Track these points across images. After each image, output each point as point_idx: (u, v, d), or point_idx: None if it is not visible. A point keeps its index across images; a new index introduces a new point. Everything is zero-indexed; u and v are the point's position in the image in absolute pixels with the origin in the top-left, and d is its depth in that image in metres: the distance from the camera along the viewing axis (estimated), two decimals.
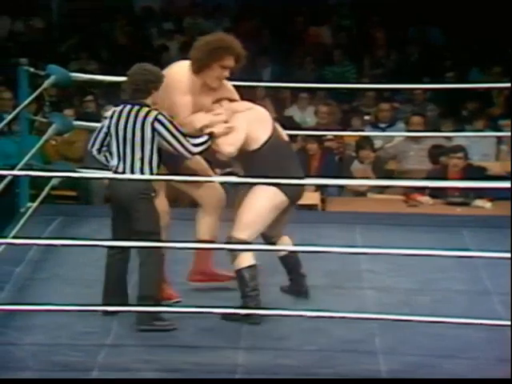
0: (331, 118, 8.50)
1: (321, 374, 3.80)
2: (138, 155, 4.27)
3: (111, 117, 4.35)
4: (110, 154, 4.36)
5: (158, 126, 4.25)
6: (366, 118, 8.56)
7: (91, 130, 7.37)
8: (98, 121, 4.84)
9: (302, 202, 7.14)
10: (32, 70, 5.84)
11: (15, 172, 5.13)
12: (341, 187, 7.25)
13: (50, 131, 5.88)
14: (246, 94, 8.89)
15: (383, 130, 8.21)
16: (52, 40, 10.24)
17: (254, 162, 4.44)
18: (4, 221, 5.95)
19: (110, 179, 4.35)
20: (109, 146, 4.36)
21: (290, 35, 10.53)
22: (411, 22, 10.58)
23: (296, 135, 7.88)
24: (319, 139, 7.73)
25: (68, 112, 7.41)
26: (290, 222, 5.70)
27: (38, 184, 6.05)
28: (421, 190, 6.65)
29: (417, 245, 4.51)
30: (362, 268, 4.91)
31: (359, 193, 7.27)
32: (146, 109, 4.30)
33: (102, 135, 4.39)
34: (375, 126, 8.32)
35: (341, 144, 7.87)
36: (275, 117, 8.75)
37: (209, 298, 4.43)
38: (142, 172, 4.27)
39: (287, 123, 8.23)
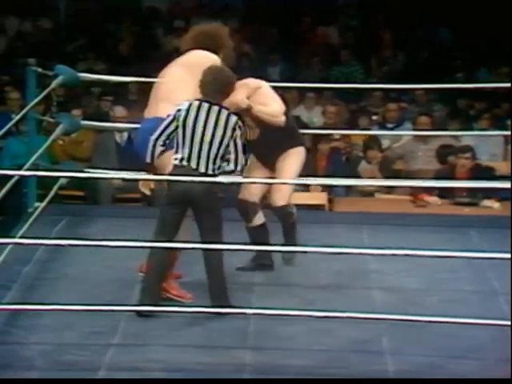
0: (338, 118, 8.50)
1: (328, 374, 3.79)
2: (212, 154, 4.32)
3: (187, 111, 4.34)
4: (178, 146, 4.34)
5: (237, 130, 4.36)
6: (374, 118, 8.55)
7: (99, 130, 7.48)
8: (108, 121, 4.86)
9: (309, 201, 7.26)
10: (40, 70, 5.85)
11: (23, 172, 5.13)
12: (348, 187, 7.25)
13: (58, 131, 5.89)
14: None
15: (391, 130, 8.20)
16: (60, 40, 10.27)
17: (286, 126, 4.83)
18: (12, 220, 5.97)
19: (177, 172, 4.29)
20: (177, 139, 4.34)
21: (298, 35, 10.53)
22: (419, 22, 10.56)
23: (303, 135, 7.88)
24: (326, 139, 7.73)
25: (76, 112, 7.43)
26: (297, 222, 5.73)
27: (45, 184, 6.06)
28: (429, 190, 6.64)
29: (424, 245, 4.49)
30: (369, 268, 4.91)
31: (366, 193, 7.26)
32: (227, 111, 4.38)
33: (171, 128, 4.37)
34: (383, 126, 8.31)
35: (348, 144, 7.87)
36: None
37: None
38: (213, 171, 4.33)
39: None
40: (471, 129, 8.02)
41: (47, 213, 5.66)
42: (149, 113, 4.66)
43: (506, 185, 4.16)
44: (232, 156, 4.37)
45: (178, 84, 4.59)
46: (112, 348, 3.99)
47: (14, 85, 8.67)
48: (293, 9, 10.84)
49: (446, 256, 4.17)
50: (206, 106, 4.36)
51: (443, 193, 6.68)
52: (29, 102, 5.74)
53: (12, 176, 4.98)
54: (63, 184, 6.05)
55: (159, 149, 4.39)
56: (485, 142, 7.74)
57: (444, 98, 8.96)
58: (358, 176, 7.28)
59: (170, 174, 4.35)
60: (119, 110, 7.42)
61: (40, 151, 5.70)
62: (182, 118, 4.36)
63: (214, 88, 4.38)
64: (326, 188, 7.10)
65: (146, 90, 8.85)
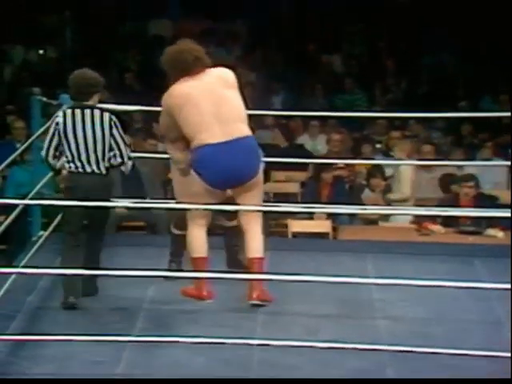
0: (342, 146, 8.52)
1: None
2: (99, 153, 4.71)
3: (64, 121, 4.72)
4: (67, 156, 4.72)
5: (113, 126, 4.71)
6: (377, 146, 8.57)
7: None
8: None
9: (313, 230, 7.25)
10: (45, 99, 5.88)
11: (27, 201, 5.14)
12: (352, 215, 7.25)
13: (62, 160, 5.90)
14: (257, 122, 9.00)
15: (394, 158, 8.21)
16: (65, 70, 10.32)
17: None
18: (16, 249, 5.98)
19: (74, 178, 4.70)
20: (64, 148, 4.72)
21: (302, 63, 10.58)
22: (423, 50, 10.62)
23: (307, 163, 7.91)
24: (330, 167, 7.75)
25: None
26: (301, 250, 5.73)
27: (49, 212, 6.06)
28: (432, 219, 6.63)
29: (429, 274, 4.49)
30: (373, 297, 4.89)
31: (370, 221, 7.26)
32: (99, 110, 4.73)
33: (55, 141, 4.75)
34: (386, 154, 8.32)
35: (351, 172, 7.88)
36: (286, 145, 8.79)
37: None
38: (106, 169, 4.73)
39: (298, 151, 8.32)
40: (474, 157, 8.03)
41: (51, 241, 5.66)
42: (224, 136, 4.60)
43: (507, 214, 4.15)
44: (116, 151, 4.72)
45: (238, 101, 4.71)
46: (115, 378, 3.97)
47: (18, 114, 8.72)
48: (297, 36, 10.91)
49: (450, 286, 4.16)
50: (78, 111, 4.73)
51: (447, 221, 6.68)
52: (33, 131, 5.76)
53: (17, 205, 4.99)
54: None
55: (52, 162, 4.79)
56: (488, 170, 7.75)
57: (447, 127, 8.99)
58: (361, 204, 7.28)
59: (73, 180, 4.73)
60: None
61: (44, 180, 5.72)
62: (61, 129, 4.72)
63: (78, 91, 4.76)
64: (330, 216, 7.10)
65: (150, 119, 8.94)
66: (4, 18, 10.82)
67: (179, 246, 5.10)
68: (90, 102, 4.79)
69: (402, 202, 7.36)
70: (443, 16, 10.34)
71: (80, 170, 4.72)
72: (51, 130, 4.76)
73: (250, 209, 4.74)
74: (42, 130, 5.66)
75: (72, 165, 4.72)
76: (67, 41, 11.14)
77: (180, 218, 5.01)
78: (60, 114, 4.78)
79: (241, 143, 4.63)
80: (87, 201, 4.59)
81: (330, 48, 10.83)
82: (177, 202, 4.97)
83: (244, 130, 4.66)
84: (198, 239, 4.75)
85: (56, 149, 4.75)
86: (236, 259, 5.17)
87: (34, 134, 5.72)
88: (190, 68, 4.69)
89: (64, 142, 4.72)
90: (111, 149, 4.74)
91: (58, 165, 4.82)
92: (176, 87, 4.69)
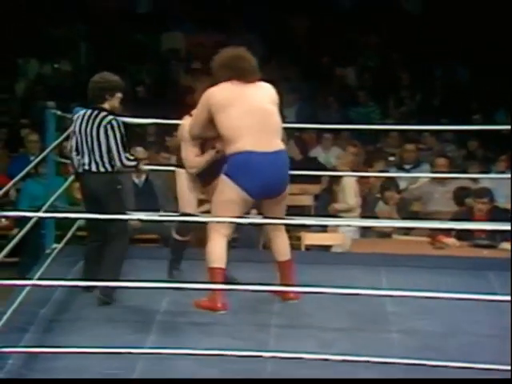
0: (356, 159, 8.51)
1: None
2: (98, 153, 4.92)
3: (75, 121, 5.01)
4: (81, 155, 4.98)
5: (109, 129, 4.90)
6: (391, 159, 8.56)
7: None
8: None
9: (326, 242, 7.24)
10: (59, 112, 5.91)
11: (41, 214, 5.16)
12: (366, 228, 7.23)
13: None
14: None
15: (408, 171, 8.20)
16: (79, 83, 10.36)
17: None
18: (30, 262, 5.99)
19: (83, 176, 4.94)
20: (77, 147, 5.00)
21: (315, 76, 10.59)
22: (437, 62, 10.61)
23: (320, 176, 7.90)
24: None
25: None
26: (314, 263, 5.71)
27: (63, 225, 6.09)
28: (447, 232, 6.60)
29: (442, 287, 4.48)
30: (387, 310, 4.87)
31: (384, 234, 7.24)
32: (104, 113, 4.94)
33: (74, 140, 5.03)
34: (400, 167, 8.31)
35: (366, 185, 7.86)
36: (300, 158, 8.79)
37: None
38: (105, 169, 4.92)
39: (312, 164, 8.31)
40: (489, 171, 8.00)
41: (65, 254, 5.68)
42: (267, 146, 4.72)
43: (505, 227, 4.13)
44: (113, 153, 4.91)
45: (279, 117, 4.88)
46: None
47: (32, 127, 8.76)
48: (311, 49, 10.93)
49: (464, 299, 4.14)
50: (88, 112, 4.99)
51: (461, 235, 6.64)
52: (48, 144, 5.79)
53: (30, 217, 5.01)
54: (81, 225, 6.07)
55: (75, 158, 5.02)
56: (502, 184, 7.70)
57: (461, 140, 8.97)
58: (375, 217, 7.26)
59: (82, 178, 5.00)
60: (140, 151, 7.47)
61: (58, 193, 5.74)
62: (74, 129, 5.01)
63: (91, 95, 4.99)
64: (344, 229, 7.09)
65: (163, 132, 8.95)
66: (18, 31, 10.89)
67: (180, 252, 5.19)
68: (105, 105, 4.96)
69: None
70: (457, 28, 10.34)
71: (86, 167, 4.95)
72: (71, 129, 5.13)
73: (273, 222, 4.84)
74: (56, 143, 5.69)
75: (81, 163, 4.97)
76: (81, 54, 11.19)
77: (183, 225, 5.08)
78: (77, 114, 5.06)
79: (280, 156, 4.78)
80: (94, 199, 4.83)
81: (344, 61, 10.84)
82: (182, 214, 5.05)
83: (281, 145, 4.83)
84: (219, 249, 4.77)
85: (76, 146, 5.01)
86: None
87: (48, 147, 5.75)
88: (245, 75, 4.82)
89: (78, 139, 4.99)
90: (108, 151, 4.92)
91: (77, 162, 5.02)
92: (226, 86, 4.76)
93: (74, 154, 5.04)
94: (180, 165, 5.12)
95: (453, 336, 4.58)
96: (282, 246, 4.96)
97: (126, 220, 4.99)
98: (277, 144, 4.78)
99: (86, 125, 4.96)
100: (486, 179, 7.54)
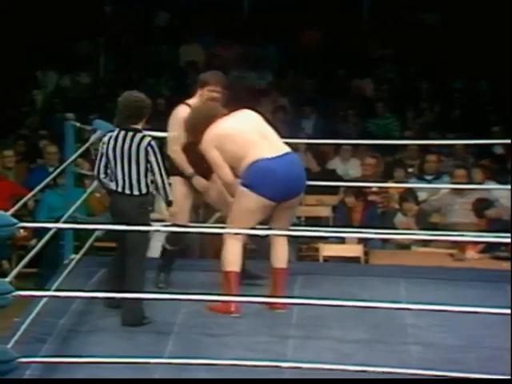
0: (376, 170, 8.49)
1: None
2: (134, 176, 4.77)
3: (108, 142, 4.82)
4: (111, 175, 4.83)
5: (150, 151, 4.75)
6: (409, 170, 8.53)
7: None
8: None
9: (345, 254, 7.22)
10: (78, 124, 5.93)
11: (60, 225, 5.18)
12: (384, 240, 7.20)
13: (95, 184, 5.95)
14: (289, 145, 8.92)
15: (429, 182, 8.16)
16: (98, 95, 10.41)
17: None
18: (48, 272, 6.01)
19: (113, 197, 4.80)
20: (110, 168, 4.83)
21: (333, 88, 10.58)
22: (456, 74, 10.58)
23: (338, 187, 7.89)
24: (362, 191, 7.72)
25: None
26: (333, 275, 5.69)
27: (81, 236, 6.10)
28: (469, 244, 6.57)
29: (461, 300, 4.44)
30: (406, 322, 4.84)
31: (403, 246, 7.21)
32: (141, 134, 4.79)
33: (104, 161, 4.86)
34: (420, 178, 8.27)
35: (384, 196, 7.84)
36: (318, 170, 8.78)
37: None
38: (139, 192, 4.77)
39: (330, 176, 8.30)
40: (508, 182, 7.95)
41: (83, 264, 5.69)
42: (274, 151, 4.90)
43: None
44: (152, 178, 4.78)
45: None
46: None
47: (51, 139, 8.80)
48: (328, 61, 10.93)
49: (483, 312, 4.10)
50: (122, 133, 4.80)
51: (481, 247, 6.61)
52: (67, 156, 5.81)
53: (49, 228, 5.03)
54: (99, 236, 6.09)
55: (104, 181, 4.88)
56: None
57: (481, 151, 8.92)
58: (393, 228, 7.23)
59: (112, 198, 4.85)
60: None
61: (77, 204, 5.75)
62: (105, 151, 4.83)
63: (125, 115, 4.81)
64: (362, 240, 7.06)
65: None
66: (37, 44, 10.97)
67: (170, 262, 5.28)
68: (138, 126, 4.85)
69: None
70: (475, 39, 10.30)
71: (119, 189, 4.80)
72: (99, 150, 4.93)
73: (281, 233, 4.89)
74: (76, 154, 5.71)
75: (113, 184, 4.83)
76: (100, 67, 11.24)
77: (173, 235, 5.16)
78: (108, 134, 4.90)
79: (290, 157, 4.95)
80: (120, 221, 4.67)
81: (361, 72, 10.83)
82: (174, 224, 5.13)
83: (287, 148, 4.99)
84: (236, 254, 4.90)
85: (106, 167, 4.86)
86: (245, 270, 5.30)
87: (67, 158, 5.77)
88: (217, 117, 5.02)
89: (108, 161, 4.84)
90: (147, 175, 4.78)
91: (107, 183, 4.90)
92: (215, 125, 4.97)
93: (102, 176, 4.87)
94: (176, 172, 5.18)
95: (472, 349, 4.54)
96: (281, 253, 5.00)
97: (147, 234, 4.93)
98: (283, 147, 4.96)
99: (121, 146, 4.78)
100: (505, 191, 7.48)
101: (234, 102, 5.45)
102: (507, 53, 9.92)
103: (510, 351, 4.27)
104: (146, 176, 4.78)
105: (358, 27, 11.29)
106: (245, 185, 4.85)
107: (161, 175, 4.78)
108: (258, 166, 4.83)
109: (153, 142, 4.80)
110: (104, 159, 4.85)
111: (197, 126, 4.99)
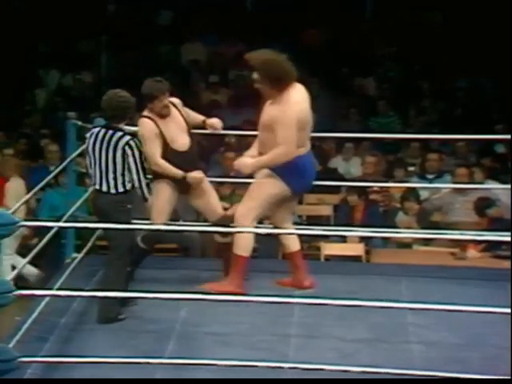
0: (377, 169, 8.48)
1: None
2: (111, 174, 4.81)
3: (88, 140, 4.92)
4: (91, 174, 4.93)
5: (128, 150, 4.79)
6: (411, 169, 8.52)
7: None
8: None
9: (346, 253, 7.21)
10: (80, 123, 5.94)
11: (61, 224, 5.18)
12: (385, 239, 7.20)
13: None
14: None
15: (430, 181, 8.15)
16: (100, 94, 10.39)
17: None
18: (50, 271, 6.01)
19: (94, 195, 4.92)
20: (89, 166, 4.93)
21: (335, 86, 10.57)
22: (458, 72, 10.56)
23: (340, 186, 7.88)
24: (364, 190, 7.71)
25: None
26: (334, 273, 5.69)
27: (82, 234, 6.10)
28: (472, 242, 6.56)
29: (463, 298, 4.44)
30: (407, 321, 4.84)
31: (404, 244, 7.20)
32: (120, 133, 4.85)
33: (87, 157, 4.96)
34: (422, 176, 8.26)
35: (386, 195, 7.83)
36: (320, 169, 8.78)
37: None
38: (116, 189, 4.82)
39: (331, 175, 8.29)
40: (509, 181, 7.94)
41: (84, 264, 5.69)
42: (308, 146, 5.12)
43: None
44: (129, 176, 4.81)
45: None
46: None
47: (52, 137, 8.80)
48: (330, 60, 10.91)
49: (485, 311, 4.10)
50: (102, 131, 4.87)
51: (483, 245, 6.60)
52: (68, 154, 5.81)
53: (51, 227, 5.03)
54: (101, 235, 6.08)
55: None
56: None
57: (482, 149, 8.90)
58: (395, 227, 7.23)
59: (93, 196, 4.97)
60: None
61: (78, 203, 5.75)
62: (85, 147, 4.94)
63: (109, 114, 4.88)
64: (363, 239, 7.06)
65: None
66: (39, 42, 10.96)
67: (139, 260, 5.29)
68: (121, 125, 4.88)
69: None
70: (477, 38, 10.29)
71: (97, 187, 4.89)
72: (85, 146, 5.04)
73: (285, 232, 4.92)
74: (76, 153, 5.71)
75: (92, 181, 4.94)
76: (102, 65, 11.23)
77: (150, 234, 5.20)
78: (90, 131, 4.99)
79: (311, 154, 5.16)
80: (99, 218, 4.79)
81: (363, 71, 10.81)
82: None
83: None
84: (248, 239, 5.00)
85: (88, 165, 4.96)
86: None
87: (68, 157, 5.77)
88: (294, 77, 5.13)
89: (88, 159, 4.93)
90: (124, 174, 4.83)
91: None
92: (298, 98, 5.02)
93: (90, 171, 4.98)
94: (159, 174, 5.20)
95: (473, 348, 4.54)
96: (292, 237, 5.15)
97: (133, 235, 4.94)
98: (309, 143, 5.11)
99: (100, 145, 4.86)
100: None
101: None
102: (510, 51, 9.90)
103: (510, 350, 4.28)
104: (123, 175, 4.83)
105: (360, 26, 11.27)
106: (278, 172, 4.97)
107: (137, 173, 4.83)
108: (301, 161, 4.99)
109: (131, 142, 4.83)
110: (87, 156, 4.97)
111: (276, 79, 4.99)
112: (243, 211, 4.97)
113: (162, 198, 5.18)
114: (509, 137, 6.40)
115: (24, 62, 10.61)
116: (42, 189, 5.72)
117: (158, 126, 5.17)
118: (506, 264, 6.33)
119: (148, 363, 4.17)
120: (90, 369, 4.15)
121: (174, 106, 5.32)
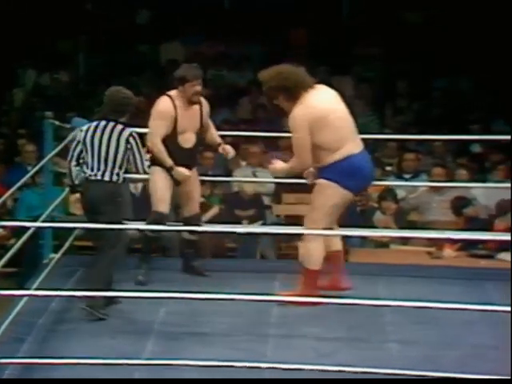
0: None
1: None
2: (111, 164, 4.88)
3: (86, 132, 4.94)
4: (87, 163, 4.92)
5: (131, 142, 4.90)
6: (388, 168, 8.55)
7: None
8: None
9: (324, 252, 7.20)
10: (57, 123, 5.92)
11: (39, 224, 5.16)
12: (363, 238, 7.22)
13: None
14: (269, 144, 8.96)
15: (407, 180, 8.18)
16: (78, 93, 10.36)
17: None
18: (27, 272, 5.98)
19: (85, 187, 4.92)
20: (85, 157, 4.94)
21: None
22: (435, 72, 10.61)
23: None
24: None
25: None
26: None
27: (60, 235, 6.08)
28: (449, 241, 6.60)
29: (440, 297, 4.47)
30: (385, 320, 4.87)
31: (382, 244, 7.23)
32: (121, 126, 4.92)
33: (78, 149, 4.98)
34: (399, 176, 8.29)
35: (364, 195, 7.86)
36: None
37: None
38: (117, 178, 4.90)
39: None
40: (486, 180, 8.00)
41: (62, 264, 5.68)
42: (360, 146, 4.98)
43: (505, 237, 4.14)
44: (134, 164, 4.92)
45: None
46: None
47: (29, 137, 8.75)
48: (308, 59, 10.93)
49: (462, 309, 4.13)
50: (103, 123, 4.93)
51: (459, 245, 6.64)
52: (45, 154, 5.79)
53: (28, 228, 5.01)
54: (79, 235, 6.07)
55: (73, 169, 5.00)
56: (500, 193, 7.70)
57: (459, 150, 8.96)
58: (373, 226, 7.26)
59: (84, 186, 4.95)
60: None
61: (56, 203, 5.74)
62: (82, 138, 4.95)
63: (110, 109, 4.94)
64: (341, 238, 7.07)
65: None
66: (16, 41, 10.89)
67: (147, 249, 5.44)
68: (122, 120, 4.96)
69: None
70: (457, 38, 10.35)
71: (91, 175, 4.90)
72: (76, 138, 5.04)
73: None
74: (53, 153, 5.69)
75: (87, 171, 4.92)
76: (79, 65, 11.19)
77: (154, 221, 5.22)
78: (88, 124, 5.02)
79: (367, 152, 5.00)
80: (91, 210, 4.80)
81: (341, 70, 10.83)
82: (154, 212, 5.28)
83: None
84: (319, 251, 4.93)
85: (79, 156, 4.97)
86: (190, 265, 5.58)
87: (45, 157, 5.75)
88: (311, 83, 4.96)
89: (84, 149, 4.93)
90: (122, 166, 4.91)
91: (75, 172, 5.00)
92: (313, 99, 4.86)
93: (73, 163, 4.99)
94: (155, 162, 5.22)
95: (451, 346, 4.57)
96: (336, 237, 5.09)
97: (122, 230, 4.96)
98: (361, 141, 4.97)
99: (100, 135, 4.91)
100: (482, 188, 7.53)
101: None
102: (489, 52, 9.97)
103: (492, 349, 4.32)
104: (120, 167, 4.89)
105: (338, 25, 11.30)
106: (331, 179, 4.84)
107: (141, 161, 4.93)
108: (350, 162, 4.85)
109: (134, 134, 4.95)
110: (80, 147, 4.97)
111: (286, 89, 4.90)
112: (310, 225, 4.89)
113: (161, 185, 5.24)
114: (485, 137, 6.46)
115: (1, 61, 10.54)
116: (19, 189, 5.69)
117: (176, 110, 5.17)
118: (484, 263, 6.39)
119: (127, 364, 4.16)
120: (69, 369, 4.14)
121: (201, 104, 5.30)
